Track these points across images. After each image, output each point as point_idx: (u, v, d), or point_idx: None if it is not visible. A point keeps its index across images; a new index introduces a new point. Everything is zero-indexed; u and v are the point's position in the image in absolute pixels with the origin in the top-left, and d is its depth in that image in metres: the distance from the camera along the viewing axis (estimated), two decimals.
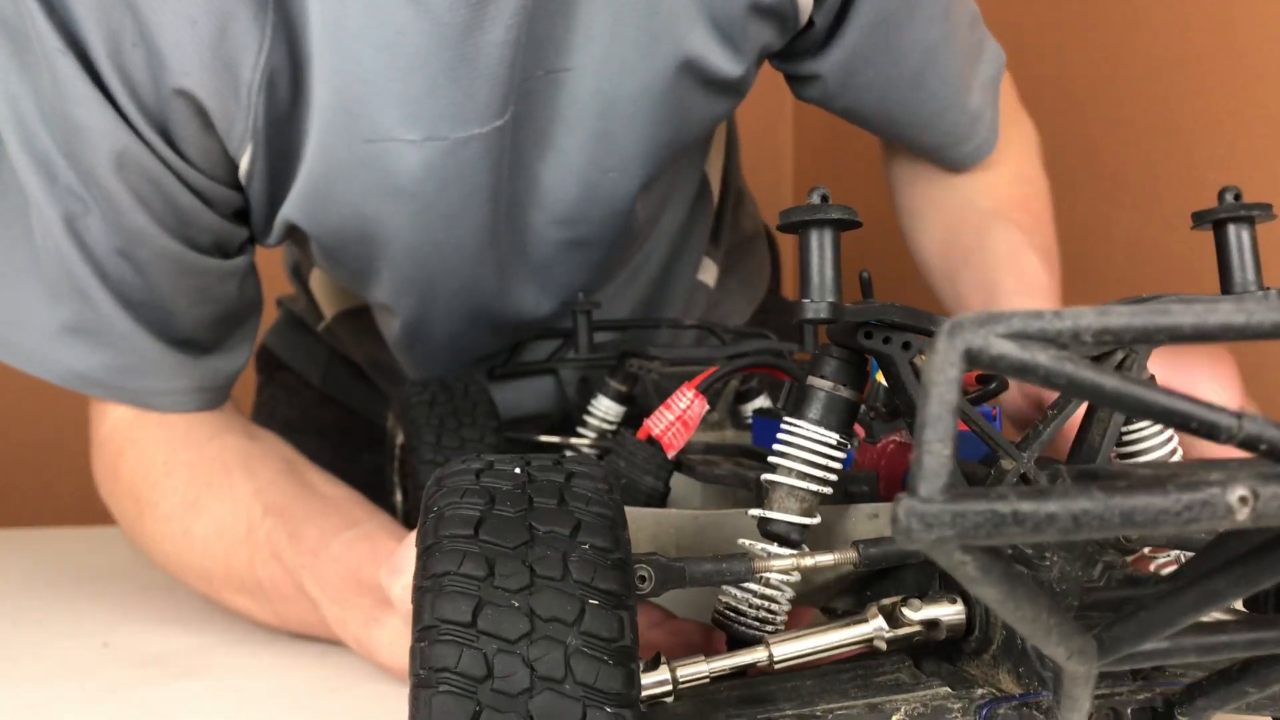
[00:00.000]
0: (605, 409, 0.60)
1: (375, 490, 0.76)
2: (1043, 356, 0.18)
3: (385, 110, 0.55)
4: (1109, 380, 0.18)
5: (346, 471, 0.80)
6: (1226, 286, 0.36)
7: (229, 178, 0.58)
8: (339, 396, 0.83)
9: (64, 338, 0.59)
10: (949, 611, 0.32)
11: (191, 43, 0.52)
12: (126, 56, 0.52)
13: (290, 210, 0.58)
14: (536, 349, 0.74)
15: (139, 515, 0.63)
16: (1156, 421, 0.19)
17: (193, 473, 0.61)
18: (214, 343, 0.63)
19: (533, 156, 0.60)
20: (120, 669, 0.57)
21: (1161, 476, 0.18)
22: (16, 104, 0.54)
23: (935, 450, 0.17)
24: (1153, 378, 0.37)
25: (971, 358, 0.18)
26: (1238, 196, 0.36)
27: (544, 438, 0.63)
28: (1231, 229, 0.36)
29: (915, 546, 0.17)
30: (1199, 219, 0.36)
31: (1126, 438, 0.38)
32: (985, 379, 0.42)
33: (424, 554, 0.27)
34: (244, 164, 0.56)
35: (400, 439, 0.64)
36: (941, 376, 0.18)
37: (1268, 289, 0.35)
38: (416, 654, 0.26)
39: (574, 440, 0.60)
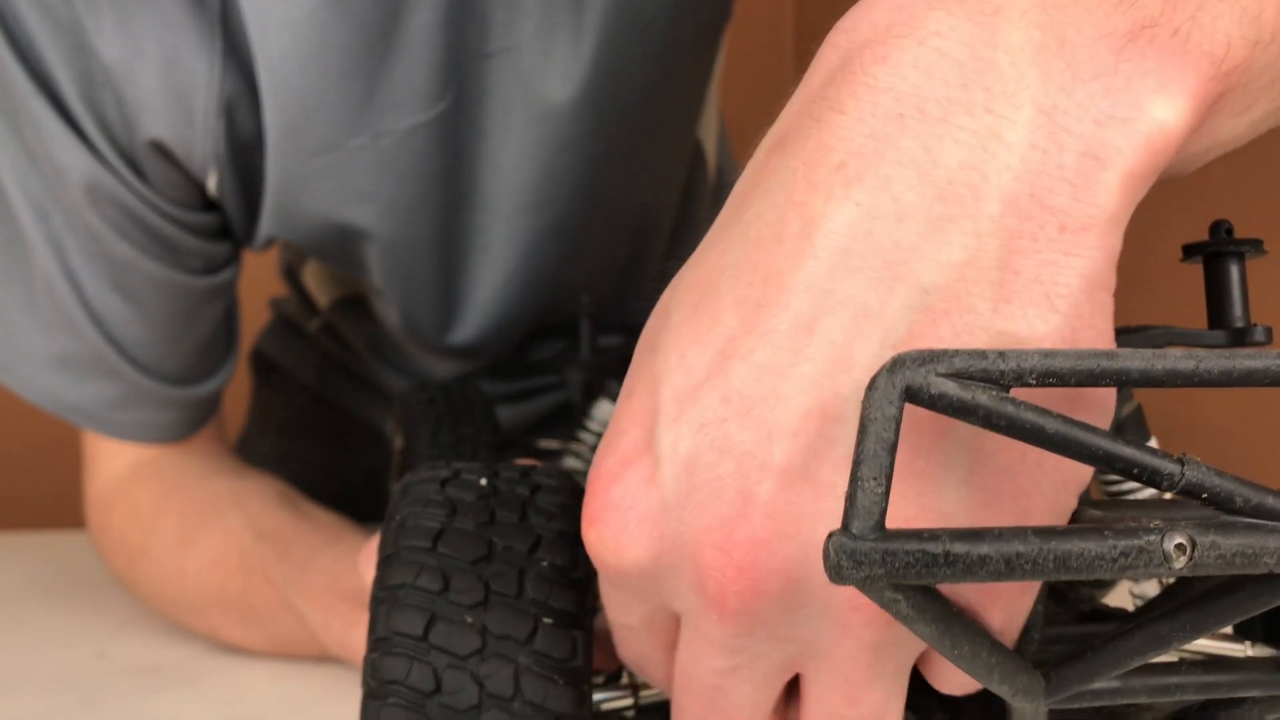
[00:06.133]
0: (605, 414, 0.60)
1: (370, 492, 0.77)
2: (984, 397, 0.18)
3: (329, 123, 0.55)
4: (1050, 423, 0.18)
5: (342, 473, 0.80)
6: (1214, 321, 0.36)
7: (200, 203, 0.59)
8: (332, 398, 0.83)
9: (56, 368, 0.60)
10: None
11: (142, 75, 0.52)
12: (99, 96, 0.53)
13: (266, 225, 0.59)
14: (544, 349, 0.74)
15: (130, 563, 0.64)
16: (1099, 466, 0.18)
17: (183, 514, 0.62)
18: (202, 372, 0.64)
19: (487, 142, 0.60)
20: (115, 678, 0.57)
21: (1101, 521, 0.18)
22: (9, 147, 0.55)
23: (869, 488, 0.17)
24: (1138, 407, 0.37)
25: (911, 395, 0.18)
26: (1229, 231, 0.36)
27: (543, 443, 0.63)
28: (1221, 263, 0.36)
29: (845, 583, 0.17)
30: (1189, 252, 0.36)
31: (1111, 475, 0.38)
32: None
33: (383, 563, 0.27)
34: (211, 185, 0.57)
35: (399, 443, 0.64)
36: (879, 414, 0.18)
37: (1255, 325, 0.35)
38: (369, 664, 0.26)
39: (573, 445, 0.60)
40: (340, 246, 0.62)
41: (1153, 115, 0.21)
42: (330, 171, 0.56)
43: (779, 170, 0.23)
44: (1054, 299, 0.21)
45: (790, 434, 0.21)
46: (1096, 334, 0.22)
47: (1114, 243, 0.22)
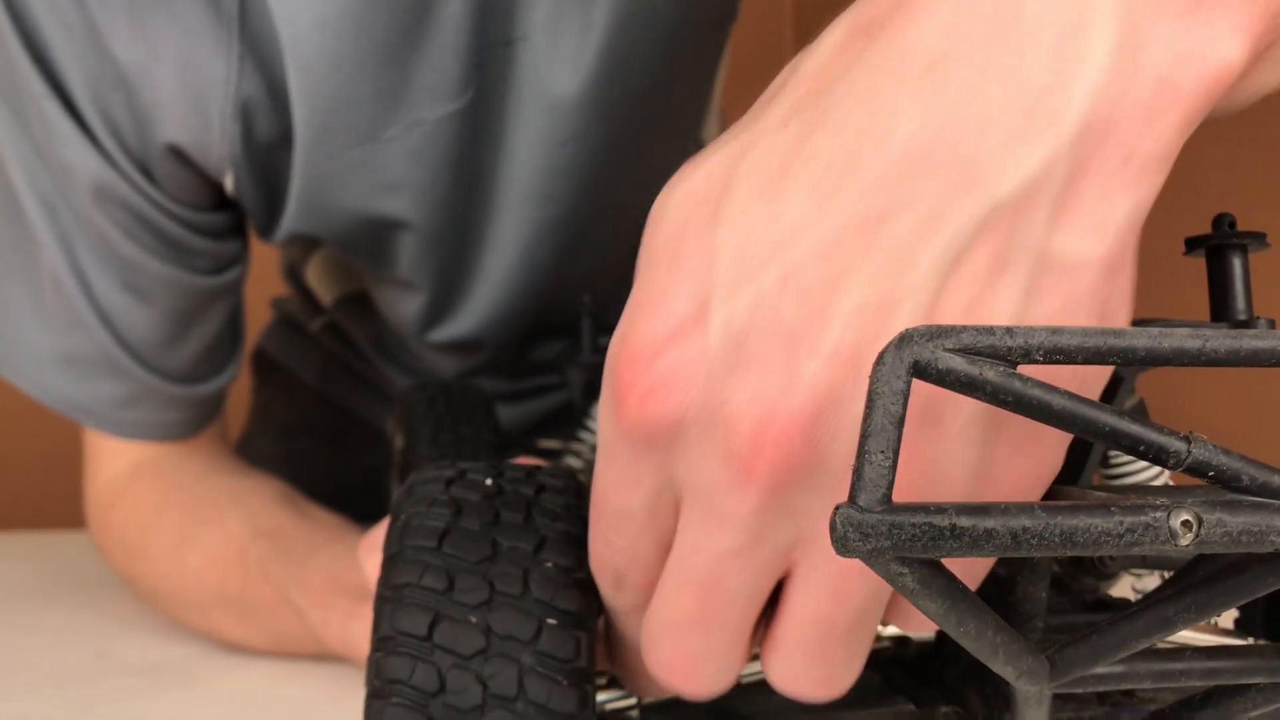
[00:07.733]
0: None
1: (371, 492, 0.77)
2: (991, 373, 0.18)
3: (363, 116, 0.55)
4: (1057, 399, 0.18)
5: (343, 473, 0.80)
6: (1217, 314, 0.36)
7: (211, 203, 0.59)
8: (334, 397, 0.83)
9: (62, 366, 0.60)
10: None
11: (158, 78, 0.52)
12: (108, 100, 0.53)
13: (291, 220, 0.59)
14: (545, 349, 0.74)
15: (131, 562, 0.64)
16: (1105, 443, 0.18)
17: (183, 512, 0.62)
18: (208, 371, 0.65)
19: (504, 131, 0.60)
20: (115, 678, 0.57)
21: (1108, 498, 0.18)
22: (19, 146, 0.55)
23: (876, 461, 0.17)
24: (1141, 402, 0.37)
25: (919, 370, 0.18)
26: (1232, 224, 0.36)
27: (543, 442, 0.63)
28: (1224, 256, 0.36)
29: (851, 556, 0.17)
30: (1192, 245, 0.36)
31: (1114, 459, 0.38)
32: None
33: (387, 562, 0.27)
34: (229, 185, 0.57)
35: (400, 443, 0.64)
36: (887, 388, 0.18)
37: (1258, 318, 0.35)
38: (373, 664, 0.26)
39: (574, 445, 0.60)
40: (371, 239, 0.61)
41: (1223, 56, 0.22)
42: (363, 164, 0.56)
43: (865, 59, 0.23)
44: (1107, 228, 0.22)
45: (843, 325, 0.22)
46: (1130, 271, 0.22)
47: (1162, 181, 0.22)
